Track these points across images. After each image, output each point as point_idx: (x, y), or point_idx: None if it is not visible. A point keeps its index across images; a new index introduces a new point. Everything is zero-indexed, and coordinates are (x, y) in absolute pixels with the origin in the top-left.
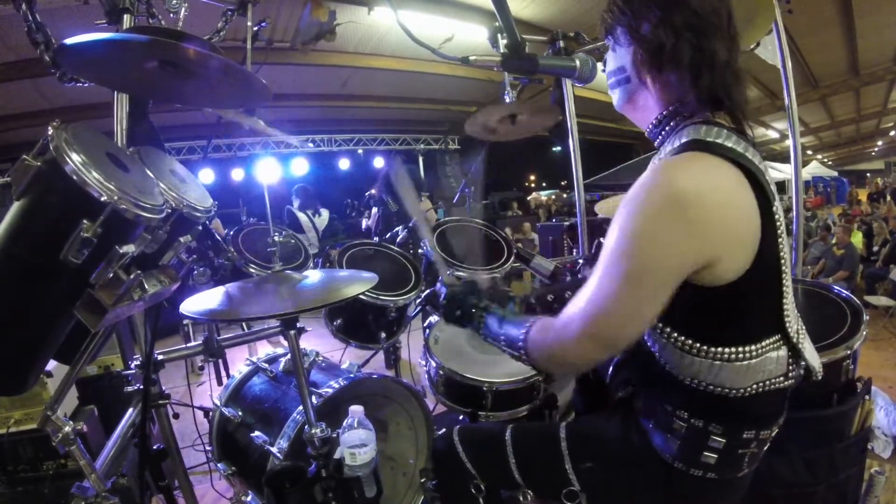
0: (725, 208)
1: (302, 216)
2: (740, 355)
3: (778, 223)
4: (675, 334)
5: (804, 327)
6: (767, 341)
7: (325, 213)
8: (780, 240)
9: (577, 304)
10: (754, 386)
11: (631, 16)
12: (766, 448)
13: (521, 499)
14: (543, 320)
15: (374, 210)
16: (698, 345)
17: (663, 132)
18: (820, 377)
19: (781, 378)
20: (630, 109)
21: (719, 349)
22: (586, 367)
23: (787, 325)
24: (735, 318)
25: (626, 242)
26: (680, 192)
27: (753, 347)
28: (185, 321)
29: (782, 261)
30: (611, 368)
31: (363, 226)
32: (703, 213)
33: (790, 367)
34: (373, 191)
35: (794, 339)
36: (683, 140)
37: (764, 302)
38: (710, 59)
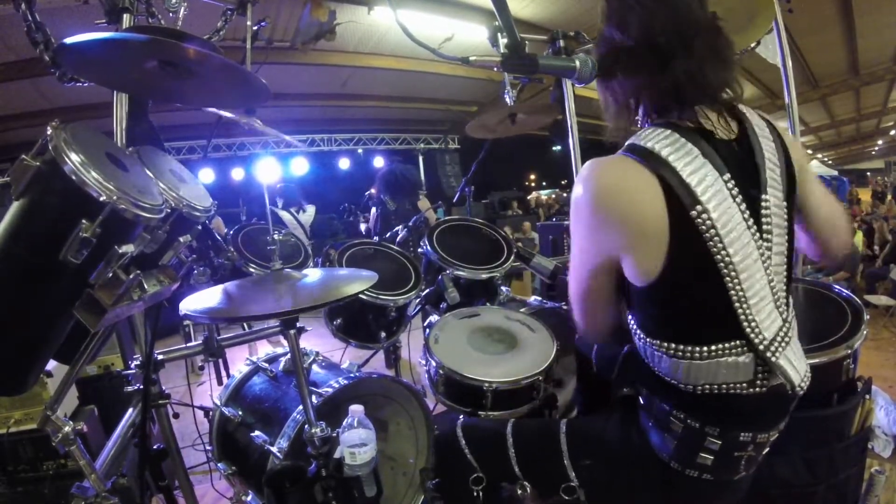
0: (631, 204)
1: (285, 215)
2: (681, 353)
3: (702, 226)
4: (634, 326)
5: (792, 338)
6: (721, 346)
7: (310, 209)
8: (711, 244)
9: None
10: (707, 387)
11: (604, 19)
12: (764, 452)
13: (520, 492)
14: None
15: (373, 210)
16: (641, 333)
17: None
18: (800, 391)
19: (744, 384)
20: (609, 116)
21: (657, 341)
22: (585, 330)
23: (750, 331)
24: (670, 317)
25: (572, 245)
26: (591, 194)
27: (699, 349)
28: (186, 321)
29: (720, 265)
30: (617, 366)
31: (362, 229)
32: (611, 210)
33: (758, 376)
34: (372, 191)
35: (762, 348)
36: (630, 142)
37: (703, 304)
38: (658, 66)
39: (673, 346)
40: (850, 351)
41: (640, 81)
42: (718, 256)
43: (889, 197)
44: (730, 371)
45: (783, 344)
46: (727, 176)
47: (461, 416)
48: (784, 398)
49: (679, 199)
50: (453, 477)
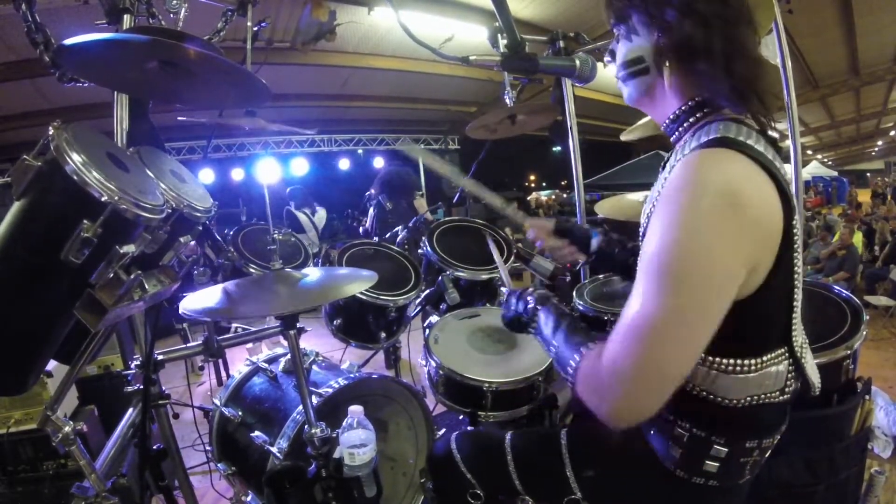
0: (761, 209)
1: (301, 216)
2: (738, 368)
3: (796, 236)
4: None
5: (807, 340)
6: (770, 355)
7: (321, 211)
8: (796, 254)
9: (618, 337)
10: (748, 398)
11: (652, 2)
12: (767, 455)
13: None
14: (595, 352)
15: (371, 210)
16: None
17: (681, 127)
18: (818, 392)
19: (777, 393)
20: (646, 103)
21: (718, 359)
22: (635, 419)
23: (794, 338)
24: (743, 332)
25: (670, 251)
26: (725, 186)
27: (754, 361)
28: (182, 323)
29: (796, 274)
30: None
31: (360, 230)
32: (750, 212)
33: (788, 383)
34: (371, 191)
35: (798, 353)
36: (712, 136)
37: (774, 316)
38: (741, 47)
39: (731, 362)
40: (849, 351)
41: (726, 56)
42: (796, 266)
43: (889, 197)
44: (771, 381)
45: (805, 348)
46: (791, 190)
47: (455, 434)
48: (781, 406)
49: (791, 203)
50: (450, 494)
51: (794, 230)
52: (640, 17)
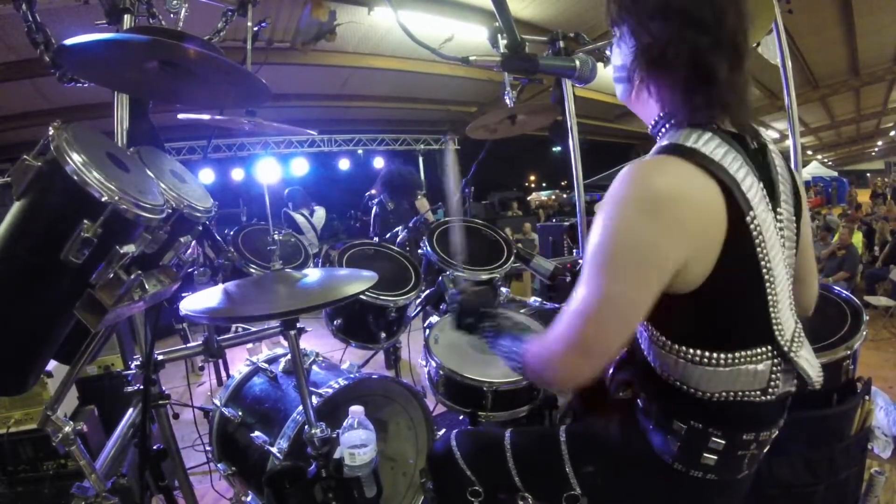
0: (694, 210)
1: (298, 217)
2: (706, 360)
3: (755, 233)
4: (651, 327)
5: (802, 333)
6: (746, 352)
7: (320, 211)
8: (759, 249)
9: (564, 316)
10: (724, 394)
11: (635, 18)
12: (766, 449)
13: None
14: (543, 335)
15: (374, 210)
16: (664, 339)
17: (660, 133)
18: (818, 386)
19: (758, 393)
20: (633, 105)
21: (684, 348)
22: (575, 383)
23: (778, 334)
24: (700, 323)
25: (605, 245)
26: (652, 191)
27: (725, 356)
28: (182, 323)
29: (764, 271)
30: (611, 368)
31: (358, 226)
32: (676, 213)
33: (771, 384)
34: (373, 191)
35: (786, 348)
36: (663, 143)
37: (738, 312)
38: (708, 76)
39: (699, 352)
40: (849, 352)
41: (689, 78)
42: (763, 262)
43: (889, 197)
44: (747, 379)
45: (799, 343)
46: (760, 184)
47: (454, 431)
48: (775, 403)
49: (738, 203)
50: (450, 491)
51: (752, 226)
52: (627, 27)
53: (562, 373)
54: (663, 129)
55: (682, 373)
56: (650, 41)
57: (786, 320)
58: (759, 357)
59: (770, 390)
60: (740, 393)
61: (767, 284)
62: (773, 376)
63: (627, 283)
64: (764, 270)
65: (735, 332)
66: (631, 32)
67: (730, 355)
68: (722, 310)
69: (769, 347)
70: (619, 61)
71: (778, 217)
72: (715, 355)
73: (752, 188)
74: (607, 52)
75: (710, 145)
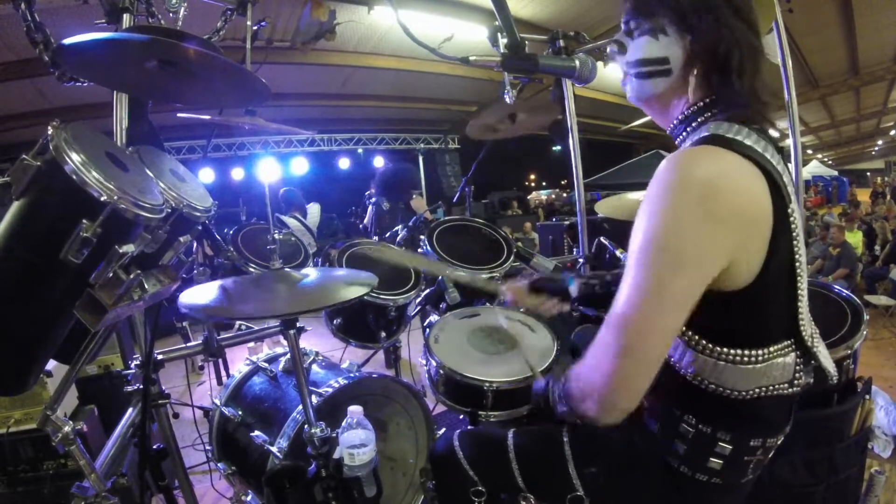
0: (743, 200)
1: (290, 221)
2: (745, 358)
3: (793, 225)
4: (688, 331)
5: (818, 330)
6: (777, 346)
7: (313, 208)
8: (795, 242)
9: (607, 322)
10: (756, 390)
11: (688, 8)
12: (770, 455)
13: None
14: (578, 363)
15: (370, 209)
16: (704, 342)
17: (689, 128)
18: (835, 380)
19: (786, 385)
20: (654, 103)
21: (725, 349)
22: (628, 399)
23: (802, 329)
24: (745, 321)
25: (651, 242)
26: (700, 182)
27: (762, 352)
28: (183, 322)
29: (797, 263)
30: None
31: (360, 225)
32: (725, 204)
33: (796, 375)
34: (371, 190)
35: (808, 343)
36: (703, 135)
37: (777, 306)
38: (755, 61)
39: (739, 352)
40: (849, 351)
41: (737, 68)
42: (797, 255)
43: (889, 197)
44: (779, 372)
45: (818, 339)
46: (787, 178)
47: (457, 431)
48: (788, 401)
49: (781, 194)
50: (452, 491)
51: (791, 219)
52: (672, 18)
53: (611, 387)
54: (692, 126)
55: (720, 375)
56: (708, 34)
57: (806, 315)
58: (786, 350)
59: (795, 381)
60: (771, 388)
61: (798, 279)
62: (797, 368)
63: (678, 275)
64: (797, 264)
65: (771, 327)
66: (678, 25)
67: (764, 351)
68: (763, 305)
69: (791, 340)
70: (655, 54)
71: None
72: (754, 353)
73: (788, 183)
74: (609, 50)
75: (750, 137)
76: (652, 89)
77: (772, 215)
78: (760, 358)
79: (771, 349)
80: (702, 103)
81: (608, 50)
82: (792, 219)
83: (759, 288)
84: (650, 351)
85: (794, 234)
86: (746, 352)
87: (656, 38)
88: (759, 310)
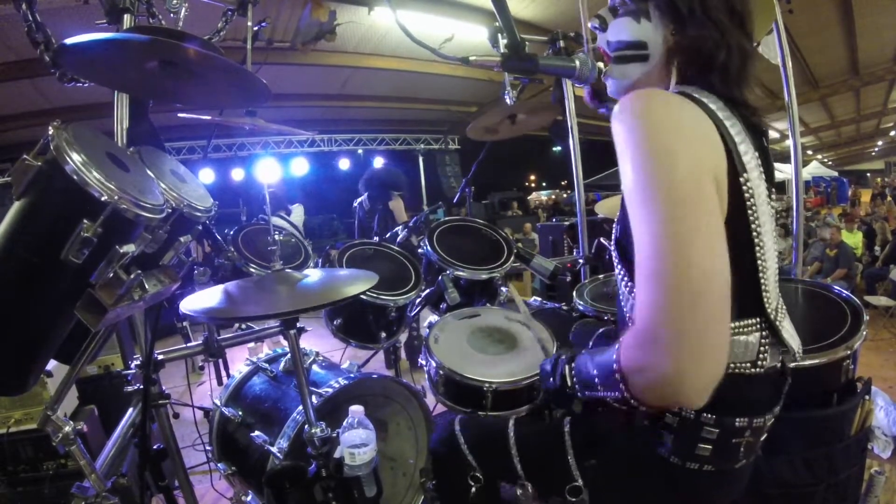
0: (705, 132)
1: (276, 220)
2: None
3: (747, 194)
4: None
5: (786, 312)
6: (739, 323)
7: (296, 209)
8: (751, 212)
9: (641, 287)
10: None
11: None
12: (762, 438)
13: (521, 493)
14: (626, 333)
15: (356, 209)
16: None
17: None
18: (799, 359)
19: (748, 364)
20: (638, 84)
21: None
22: (707, 363)
23: (766, 304)
24: None
25: (647, 174)
26: (668, 108)
27: None
28: (184, 322)
29: (754, 235)
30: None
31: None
32: (690, 129)
33: (760, 356)
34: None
35: (773, 317)
36: (676, 89)
37: (735, 277)
38: (745, 63)
39: None
40: (849, 352)
41: (722, 54)
42: (754, 226)
43: (889, 197)
44: (739, 351)
45: (783, 314)
46: (756, 154)
47: (458, 416)
48: (777, 380)
49: (734, 160)
50: (450, 475)
51: (745, 187)
52: (659, 4)
53: (680, 343)
54: None
55: None
56: (693, 25)
57: (772, 290)
58: (749, 328)
59: (759, 362)
60: (731, 365)
61: (757, 249)
62: (762, 348)
63: (691, 207)
64: (755, 235)
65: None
66: (663, 11)
67: None
68: None
69: (758, 319)
70: (634, 38)
71: (770, 194)
72: None
73: (747, 153)
74: (591, 26)
75: (716, 104)
76: (629, 75)
77: (726, 170)
78: None
79: (733, 325)
80: (674, 88)
81: (590, 26)
82: (745, 187)
83: None
84: (703, 284)
85: (749, 203)
86: None
87: (637, 20)
88: None
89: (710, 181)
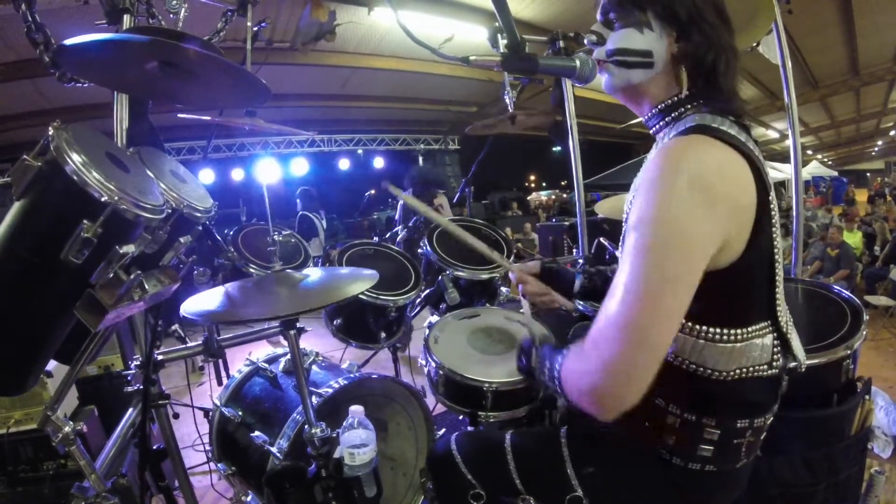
0: (733, 187)
1: (315, 219)
2: (725, 337)
3: (773, 213)
4: None
5: (792, 319)
6: (755, 327)
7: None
8: (774, 230)
9: (607, 312)
10: (737, 371)
11: (681, 11)
12: (762, 437)
13: None
14: (578, 345)
15: (399, 205)
16: (683, 320)
17: (664, 120)
18: (803, 369)
19: (765, 367)
20: (631, 91)
21: (704, 328)
22: (632, 386)
23: (779, 312)
24: (725, 300)
25: (649, 228)
26: (694, 171)
27: (741, 331)
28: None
29: (776, 248)
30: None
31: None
32: (717, 191)
33: (774, 357)
34: (372, 191)
35: (784, 329)
36: (689, 125)
37: (756, 288)
38: (735, 61)
39: (719, 330)
40: (849, 351)
41: (720, 62)
42: (775, 241)
43: (888, 197)
44: (757, 352)
45: (790, 324)
46: (766, 170)
47: (454, 434)
48: (777, 381)
49: (763, 182)
50: (451, 494)
51: (771, 205)
52: (659, 14)
53: (614, 378)
54: (668, 118)
55: (700, 354)
56: (693, 36)
57: (783, 302)
58: (764, 331)
59: (774, 363)
60: (751, 368)
61: (776, 264)
62: (775, 349)
63: (677, 257)
64: (775, 249)
65: (751, 308)
66: (665, 21)
67: (743, 331)
68: (743, 286)
69: (769, 322)
70: (638, 48)
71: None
72: (733, 332)
73: (765, 171)
74: (586, 41)
75: (732, 129)
76: (631, 79)
77: (756, 201)
78: (740, 337)
79: (750, 329)
80: (681, 96)
81: (585, 41)
82: (772, 206)
83: (740, 269)
84: (655, 336)
85: (773, 220)
86: (726, 331)
87: (641, 31)
88: (739, 290)
89: (708, 255)
